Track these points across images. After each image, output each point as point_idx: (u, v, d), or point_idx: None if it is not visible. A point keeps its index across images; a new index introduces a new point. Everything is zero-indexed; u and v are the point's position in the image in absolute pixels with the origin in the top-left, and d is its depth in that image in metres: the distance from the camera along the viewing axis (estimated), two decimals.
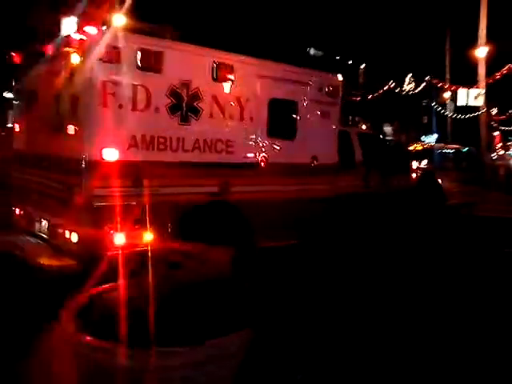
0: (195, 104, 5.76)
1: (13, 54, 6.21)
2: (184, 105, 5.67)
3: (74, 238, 5.23)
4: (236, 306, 3.35)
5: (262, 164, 6.45)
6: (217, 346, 2.92)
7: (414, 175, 9.33)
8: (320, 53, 26.85)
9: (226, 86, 6.02)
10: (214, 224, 5.86)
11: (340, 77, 7.55)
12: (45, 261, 5.27)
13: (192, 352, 2.86)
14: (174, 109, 5.59)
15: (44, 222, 5.95)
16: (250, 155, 6.38)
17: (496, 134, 33.48)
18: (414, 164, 9.53)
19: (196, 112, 5.78)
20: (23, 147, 6.60)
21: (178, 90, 5.60)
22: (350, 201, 7.48)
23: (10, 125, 10.55)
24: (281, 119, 6.72)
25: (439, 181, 9.91)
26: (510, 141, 35.40)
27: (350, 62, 27.89)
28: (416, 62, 25.46)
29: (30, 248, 5.69)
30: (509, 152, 30.08)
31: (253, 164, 6.39)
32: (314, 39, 25.30)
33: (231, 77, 6.00)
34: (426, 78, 24.91)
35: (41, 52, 5.70)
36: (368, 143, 8.42)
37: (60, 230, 5.45)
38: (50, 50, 5.53)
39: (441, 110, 27.53)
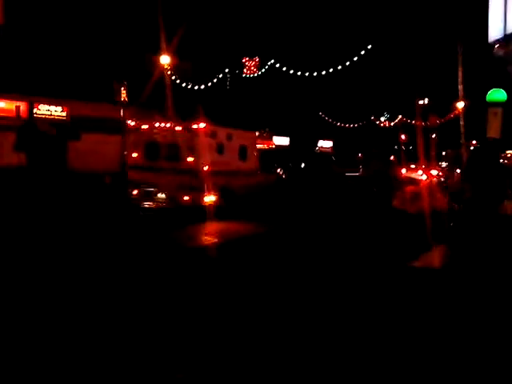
0: (222, 149, 15.39)
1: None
2: (220, 149, 15.26)
3: (188, 199, 14.34)
4: None
5: (238, 171, 16.36)
6: None
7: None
8: None
9: (230, 142, 15.81)
10: (227, 193, 15.51)
11: (256, 133, 17.99)
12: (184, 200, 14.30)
13: None
14: (218, 150, 15.14)
15: (161, 194, 14.76)
16: (234, 167, 16.20)
17: None
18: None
19: (223, 152, 15.41)
20: (140, 162, 15.15)
21: (218, 144, 15.18)
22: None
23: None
24: (242, 153, 16.71)
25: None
26: None
27: None
28: None
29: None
30: None
31: (235, 171, 16.21)
32: None
33: (230, 139, 15.83)
34: None
35: (167, 128, 14.62)
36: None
37: (179, 196, 14.42)
38: (177, 127, 14.52)
39: None
